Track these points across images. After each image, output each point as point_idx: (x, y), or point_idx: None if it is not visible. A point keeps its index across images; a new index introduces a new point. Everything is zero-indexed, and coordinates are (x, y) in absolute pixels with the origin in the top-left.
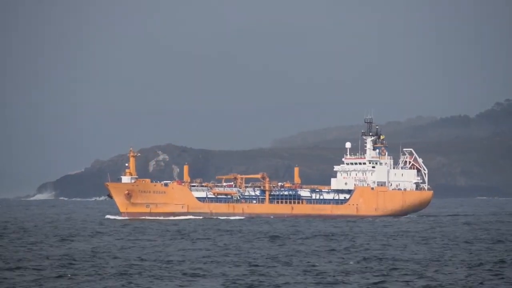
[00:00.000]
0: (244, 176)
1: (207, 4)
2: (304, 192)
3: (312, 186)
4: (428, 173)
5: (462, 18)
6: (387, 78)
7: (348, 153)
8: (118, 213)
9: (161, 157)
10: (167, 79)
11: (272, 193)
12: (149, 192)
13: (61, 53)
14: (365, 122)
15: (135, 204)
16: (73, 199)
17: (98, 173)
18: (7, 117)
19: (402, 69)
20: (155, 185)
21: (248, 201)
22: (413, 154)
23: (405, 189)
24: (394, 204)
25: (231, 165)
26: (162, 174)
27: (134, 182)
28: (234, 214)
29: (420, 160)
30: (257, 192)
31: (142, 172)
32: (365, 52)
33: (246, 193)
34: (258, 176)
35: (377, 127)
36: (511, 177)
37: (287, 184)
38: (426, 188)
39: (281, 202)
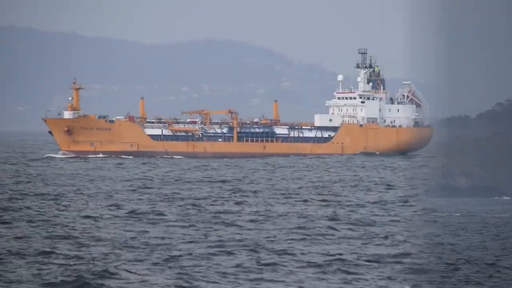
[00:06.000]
0: (212, 112)
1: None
2: (281, 129)
3: (292, 123)
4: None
5: (462, 18)
6: None
7: (340, 87)
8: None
9: None
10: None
11: (241, 131)
12: (92, 129)
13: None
14: (359, 53)
15: (77, 142)
16: None
17: None
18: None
19: None
20: (98, 121)
21: (212, 139)
22: (411, 88)
23: (400, 126)
24: (386, 142)
25: None
26: None
27: (76, 117)
28: (194, 154)
29: (419, 94)
30: (224, 130)
31: None
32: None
33: (212, 131)
34: (225, 112)
35: (371, 57)
36: (511, 177)
37: (264, 121)
38: (426, 124)
39: (252, 141)
